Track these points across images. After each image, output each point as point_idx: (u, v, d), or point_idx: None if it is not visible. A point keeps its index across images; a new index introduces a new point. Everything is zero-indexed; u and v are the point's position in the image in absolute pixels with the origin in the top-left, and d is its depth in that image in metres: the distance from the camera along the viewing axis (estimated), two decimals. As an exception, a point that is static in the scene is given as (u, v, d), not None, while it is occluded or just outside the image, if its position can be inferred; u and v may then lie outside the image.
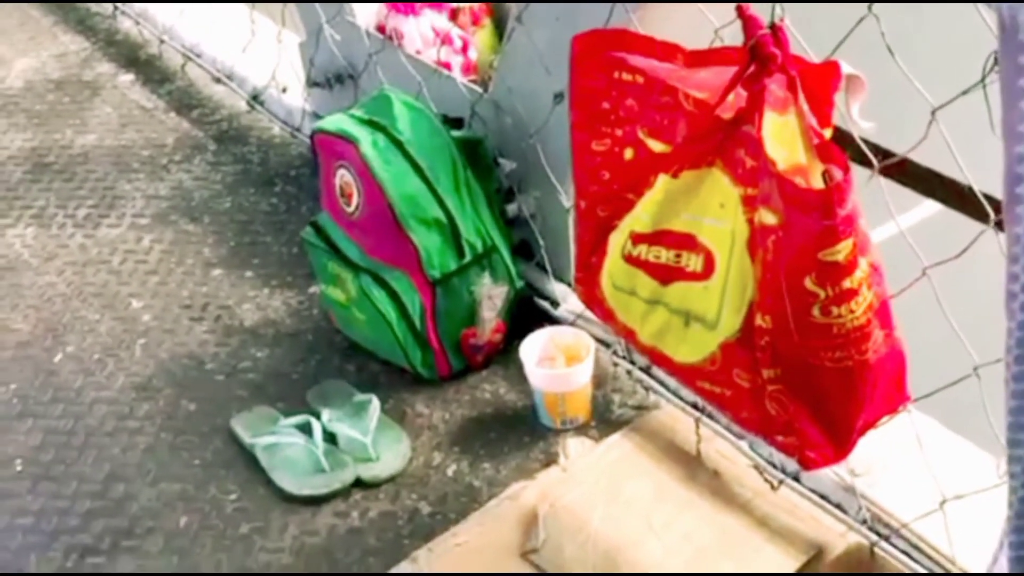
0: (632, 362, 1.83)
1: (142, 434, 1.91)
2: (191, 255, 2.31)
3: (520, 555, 1.62)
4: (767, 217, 1.27)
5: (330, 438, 1.81)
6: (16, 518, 1.78)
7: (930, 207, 1.43)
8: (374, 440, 1.79)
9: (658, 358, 1.49)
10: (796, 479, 1.62)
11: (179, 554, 1.70)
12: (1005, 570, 1.04)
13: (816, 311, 1.24)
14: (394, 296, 1.87)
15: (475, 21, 2.23)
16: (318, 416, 1.83)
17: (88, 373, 2.05)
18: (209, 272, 2.26)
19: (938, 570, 1.48)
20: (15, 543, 1.74)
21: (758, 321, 1.32)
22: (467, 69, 2.17)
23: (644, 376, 1.81)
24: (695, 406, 1.73)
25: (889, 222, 1.35)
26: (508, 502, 1.70)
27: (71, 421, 1.95)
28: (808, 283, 1.23)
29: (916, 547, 1.50)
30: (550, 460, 1.77)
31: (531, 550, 1.62)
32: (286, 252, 2.28)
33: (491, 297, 1.90)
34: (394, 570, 1.62)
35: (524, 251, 2.02)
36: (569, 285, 1.94)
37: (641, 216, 1.43)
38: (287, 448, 1.80)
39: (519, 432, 1.83)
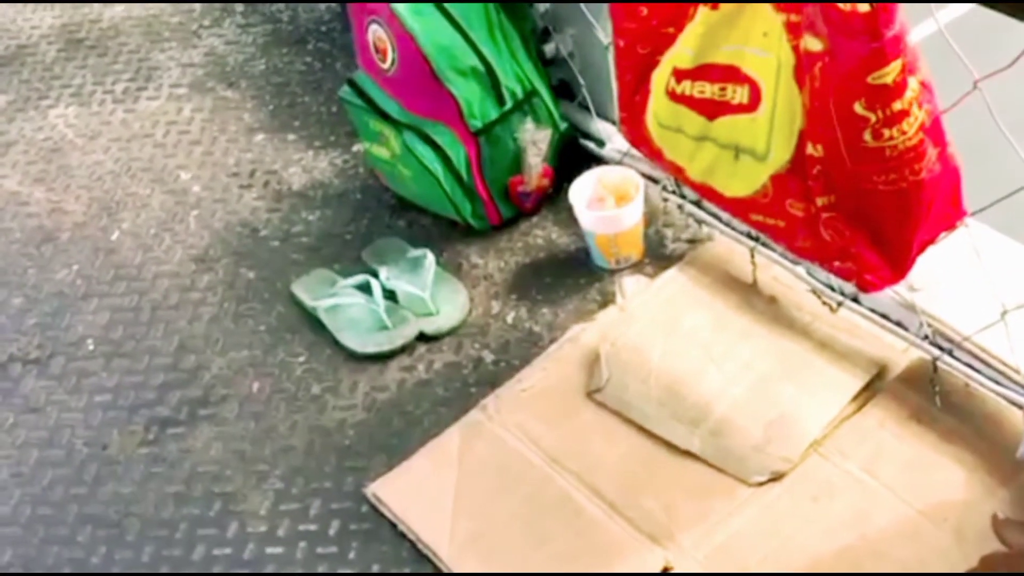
0: (683, 196, 1.82)
1: (206, 305, 1.95)
2: (232, 122, 2.31)
3: (585, 395, 1.65)
4: (812, 44, 1.24)
5: (389, 295, 1.83)
6: (95, 395, 1.84)
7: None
8: (433, 294, 1.82)
9: (709, 194, 1.48)
10: (855, 300, 1.62)
11: (255, 419, 1.75)
12: None
13: (867, 135, 1.23)
14: (438, 150, 1.86)
15: None
16: (375, 274, 1.85)
17: (146, 249, 2.08)
18: (252, 138, 2.26)
19: (1003, 380, 1.49)
20: (97, 420, 1.80)
21: (809, 150, 1.31)
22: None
23: (695, 209, 1.80)
24: (749, 235, 1.72)
25: (927, 20, 1.30)
26: (569, 344, 1.73)
27: (136, 297, 1.99)
28: (858, 108, 1.22)
29: (979, 359, 1.51)
30: (607, 300, 1.79)
31: (595, 390, 1.65)
32: (325, 112, 2.27)
33: (535, 142, 1.88)
34: (464, 418, 1.66)
35: (564, 92, 1.99)
36: (613, 123, 1.92)
37: (682, 51, 1.40)
38: (349, 308, 1.83)
39: (574, 275, 1.85)
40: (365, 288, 1.84)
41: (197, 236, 2.08)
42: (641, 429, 1.59)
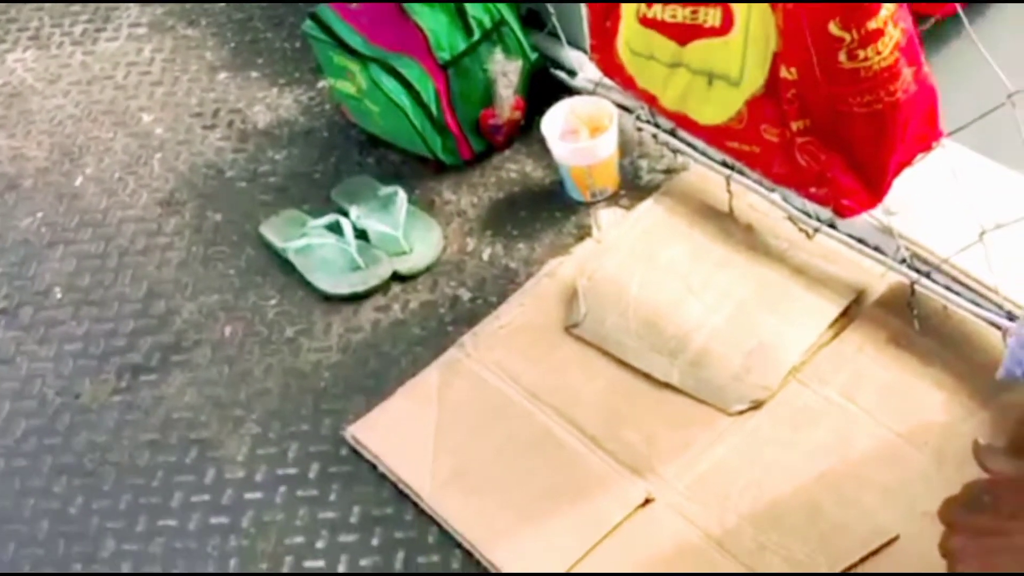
0: (657, 125, 1.79)
1: (173, 249, 1.92)
2: (194, 61, 2.26)
3: (563, 330, 1.64)
4: (786, -38, 1.21)
5: (361, 235, 1.81)
6: (65, 344, 1.81)
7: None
8: (405, 232, 1.79)
9: (683, 122, 1.46)
10: (832, 226, 1.61)
11: (228, 363, 1.73)
12: None
13: (843, 56, 1.21)
14: (406, 84, 1.82)
15: None
16: (346, 214, 1.82)
17: (111, 193, 2.04)
18: (215, 76, 2.21)
19: (981, 302, 1.48)
20: (68, 369, 1.78)
21: (783, 73, 1.29)
22: None
23: (670, 139, 1.78)
24: (724, 163, 1.70)
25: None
26: (546, 279, 1.71)
27: (102, 244, 1.96)
28: (833, 28, 1.20)
29: (958, 281, 1.50)
30: (583, 233, 1.77)
31: (573, 324, 1.63)
32: (289, 48, 2.22)
33: (506, 73, 1.85)
34: (442, 357, 1.65)
35: (533, 21, 1.95)
36: (585, 52, 1.88)
37: (653, -26, 1.37)
38: (320, 249, 1.80)
39: (549, 208, 1.82)
40: (336, 228, 1.81)
41: (162, 179, 2.04)
42: (620, 362, 1.58)
